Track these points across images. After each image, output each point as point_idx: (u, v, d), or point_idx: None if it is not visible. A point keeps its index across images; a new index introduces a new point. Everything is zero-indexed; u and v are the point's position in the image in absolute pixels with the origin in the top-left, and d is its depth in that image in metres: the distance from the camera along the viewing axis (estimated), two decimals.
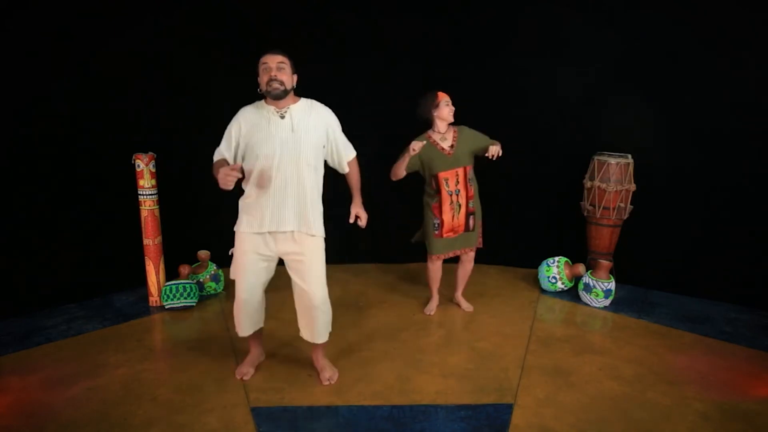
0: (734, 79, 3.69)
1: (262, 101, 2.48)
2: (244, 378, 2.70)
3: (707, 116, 3.81)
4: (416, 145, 3.07)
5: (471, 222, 3.40)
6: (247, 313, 2.60)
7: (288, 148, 2.37)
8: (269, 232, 2.46)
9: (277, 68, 2.35)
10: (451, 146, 3.28)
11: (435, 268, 3.53)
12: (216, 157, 2.54)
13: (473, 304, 3.76)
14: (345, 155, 2.61)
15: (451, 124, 3.34)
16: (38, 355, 2.94)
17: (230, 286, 4.04)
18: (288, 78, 2.39)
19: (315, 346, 2.71)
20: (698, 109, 3.82)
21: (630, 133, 4.06)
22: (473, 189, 3.38)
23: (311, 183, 2.45)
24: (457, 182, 3.30)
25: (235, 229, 2.55)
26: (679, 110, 3.89)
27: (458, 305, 3.70)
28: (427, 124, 3.34)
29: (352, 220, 2.70)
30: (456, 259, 3.62)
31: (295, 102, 2.47)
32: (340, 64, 4.15)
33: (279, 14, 4.12)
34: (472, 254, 3.56)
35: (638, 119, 4.02)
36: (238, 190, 2.54)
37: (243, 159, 2.47)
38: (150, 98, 3.91)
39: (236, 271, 2.55)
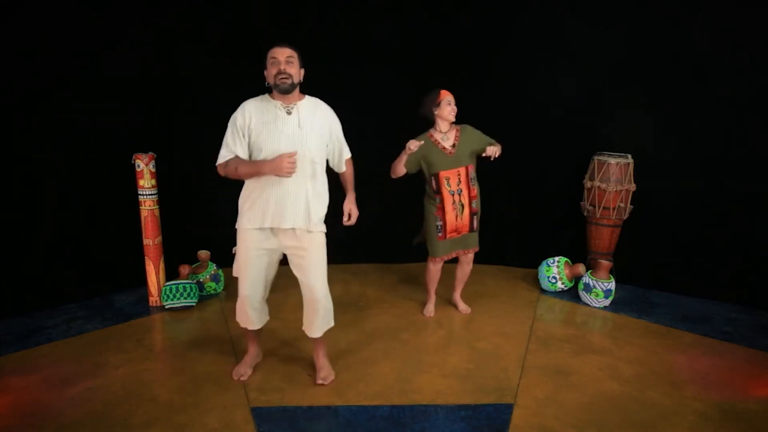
0: (734, 79, 3.69)
1: (267, 95, 2.46)
2: (242, 378, 2.70)
3: (707, 116, 3.81)
4: (413, 144, 3.06)
5: (475, 223, 3.39)
6: (252, 308, 2.61)
7: (294, 145, 2.35)
8: (270, 228, 2.46)
9: (286, 62, 2.34)
10: (453, 145, 3.26)
11: (436, 270, 3.52)
12: (227, 158, 2.43)
13: (473, 304, 3.76)
14: (344, 155, 2.64)
15: (453, 123, 3.34)
16: (38, 355, 2.94)
17: (230, 285, 4.05)
18: (296, 71, 2.38)
19: (316, 344, 2.72)
20: (698, 109, 3.82)
21: (630, 133, 4.06)
22: (476, 189, 3.36)
23: (314, 180, 2.45)
24: (459, 182, 3.29)
25: (236, 226, 2.54)
26: (679, 110, 3.89)
27: (455, 306, 3.68)
28: (429, 122, 3.33)
29: (345, 218, 2.60)
30: (454, 260, 3.61)
31: (301, 99, 2.46)
32: (339, 64, 4.15)
33: (279, 14, 4.12)
34: (471, 255, 3.55)
35: (638, 119, 4.03)
36: (236, 188, 2.54)
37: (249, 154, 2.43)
38: (150, 98, 3.91)
39: (239, 268, 2.56)
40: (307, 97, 2.50)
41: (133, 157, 3.47)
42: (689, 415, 2.43)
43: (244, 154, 2.42)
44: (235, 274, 2.59)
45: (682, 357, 3.01)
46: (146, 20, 3.79)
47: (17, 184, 3.43)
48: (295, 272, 2.56)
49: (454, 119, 3.27)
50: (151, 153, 3.51)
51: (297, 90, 2.43)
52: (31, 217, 3.51)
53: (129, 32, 3.73)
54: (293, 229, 2.45)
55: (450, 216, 3.31)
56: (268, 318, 2.76)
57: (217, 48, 4.10)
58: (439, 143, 3.27)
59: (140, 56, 3.82)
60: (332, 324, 2.70)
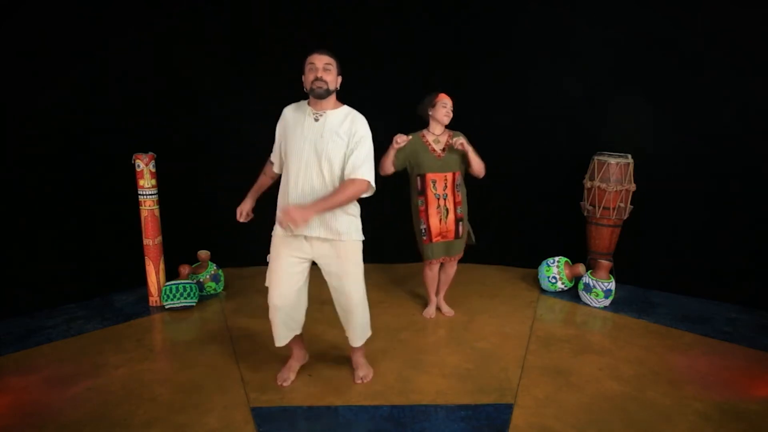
0: (734, 79, 3.69)
1: (305, 101, 2.46)
2: (284, 384, 2.65)
3: (707, 116, 3.81)
4: (400, 138, 3.05)
5: (460, 228, 3.36)
6: (281, 321, 2.51)
7: (315, 152, 2.33)
8: (304, 236, 2.42)
9: (324, 69, 2.32)
10: (443, 149, 3.26)
11: (432, 274, 3.49)
12: (271, 157, 2.62)
13: (473, 304, 3.76)
14: (351, 171, 2.33)
15: (449, 128, 3.33)
16: (38, 355, 2.94)
17: (231, 285, 4.06)
18: (333, 79, 2.35)
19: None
20: (698, 108, 3.83)
21: (630, 133, 4.06)
22: (461, 195, 3.35)
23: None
24: (445, 186, 3.28)
25: (272, 233, 2.52)
26: (679, 110, 3.89)
27: (439, 309, 3.63)
28: (425, 122, 3.33)
29: (278, 219, 2.40)
30: None
31: (335, 108, 2.41)
32: (341, 64, 4.15)
33: (279, 14, 4.13)
34: (455, 260, 3.51)
35: (638, 119, 4.03)
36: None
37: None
38: (150, 98, 3.91)
39: (270, 277, 2.49)
40: (344, 108, 2.43)
41: (133, 157, 3.47)
42: (689, 415, 2.43)
43: (277, 161, 2.59)
44: (267, 283, 2.51)
45: (682, 357, 3.01)
46: (146, 20, 3.79)
47: (17, 184, 3.43)
48: (328, 279, 2.51)
49: (447, 122, 3.26)
50: (151, 153, 3.51)
51: (333, 98, 2.40)
52: (31, 217, 3.50)
53: (129, 32, 3.73)
54: (326, 238, 2.42)
55: (434, 219, 3.29)
56: (297, 332, 2.62)
57: (217, 48, 4.11)
58: (429, 144, 3.26)
59: (140, 56, 3.82)
60: (370, 333, 2.67)
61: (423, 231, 3.34)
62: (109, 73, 3.71)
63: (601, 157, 3.96)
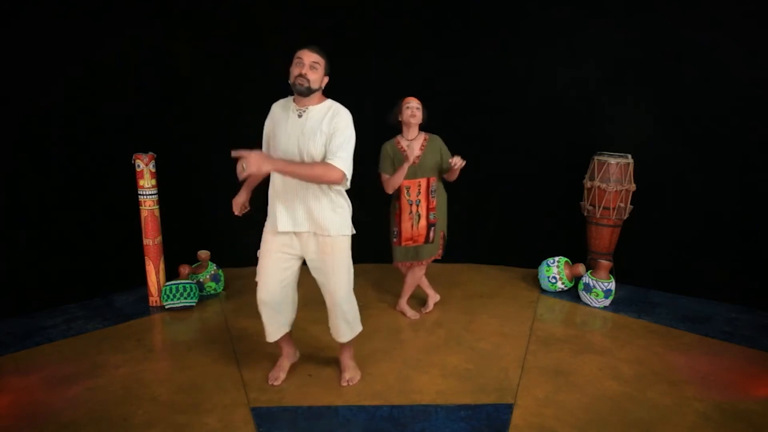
0: (734, 79, 3.69)
1: (291, 97, 2.46)
2: (275, 383, 2.66)
3: (707, 116, 3.81)
4: (414, 158, 3.07)
5: (431, 234, 3.35)
6: (269, 316, 2.54)
7: (298, 148, 2.34)
8: (293, 233, 2.45)
9: (310, 66, 2.31)
10: (417, 156, 3.23)
11: (408, 274, 3.51)
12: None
13: (473, 304, 3.76)
14: (328, 157, 2.28)
15: (423, 131, 3.31)
16: (38, 355, 2.94)
17: (230, 285, 4.06)
18: (317, 78, 2.33)
19: (342, 344, 2.71)
20: (698, 108, 3.83)
21: (630, 133, 4.06)
22: (435, 201, 3.31)
23: (321, 185, 2.38)
24: (419, 193, 3.27)
25: (264, 229, 2.54)
26: (680, 110, 3.89)
27: (403, 313, 3.57)
28: (399, 128, 3.33)
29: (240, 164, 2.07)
30: (439, 261, 3.57)
31: (318, 103, 2.39)
32: (339, 64, 4.14)
33: (279, 14, 4.12)
34: (424, 264, 3.47)
35: (638, 119, 4.03)
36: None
37: None
38: (150, 98, 3.91)
39: (259, 272, 2.52)
40: (326, 102, 2.41)
41: (133, 157, 3.47)
42: (689, 415, 2.43)
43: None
44: (257, 278, 2.54)
45: (682, 357, 3.01)
46: (146, 19, 3.80)
47: (17, 184, 3.43)
48: (315, 275, 2.51)
49: (413, 123, 3.23)
50: (151, 153, 3.51)
51: (317, 95, 2.39)
52: (31, 217, 3.50)
53: (129, 32, 3.73)
54: (312, 233, 2.43)
55: (406, 224, 3.32)
56: (288, 329, 2.65)
57: (217, 48, 4.10)
58: (404, 151, 3.24)
59: (140, 56, 3.82)
60: (360, 329, 2.66)
61: (394, 233, 3.37)
62: (109, 72, 3.71)
63: (601, 157, 3.96)
